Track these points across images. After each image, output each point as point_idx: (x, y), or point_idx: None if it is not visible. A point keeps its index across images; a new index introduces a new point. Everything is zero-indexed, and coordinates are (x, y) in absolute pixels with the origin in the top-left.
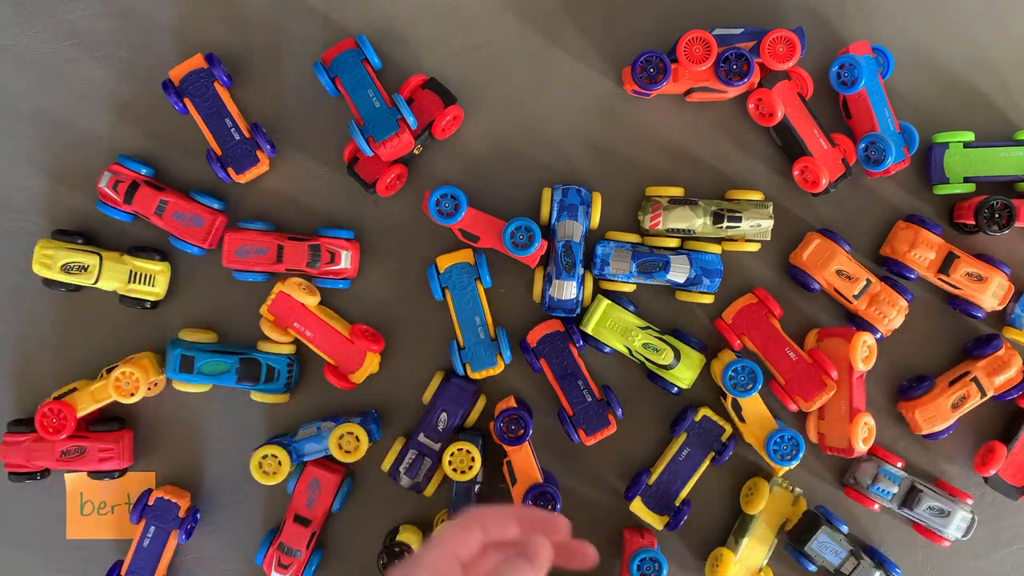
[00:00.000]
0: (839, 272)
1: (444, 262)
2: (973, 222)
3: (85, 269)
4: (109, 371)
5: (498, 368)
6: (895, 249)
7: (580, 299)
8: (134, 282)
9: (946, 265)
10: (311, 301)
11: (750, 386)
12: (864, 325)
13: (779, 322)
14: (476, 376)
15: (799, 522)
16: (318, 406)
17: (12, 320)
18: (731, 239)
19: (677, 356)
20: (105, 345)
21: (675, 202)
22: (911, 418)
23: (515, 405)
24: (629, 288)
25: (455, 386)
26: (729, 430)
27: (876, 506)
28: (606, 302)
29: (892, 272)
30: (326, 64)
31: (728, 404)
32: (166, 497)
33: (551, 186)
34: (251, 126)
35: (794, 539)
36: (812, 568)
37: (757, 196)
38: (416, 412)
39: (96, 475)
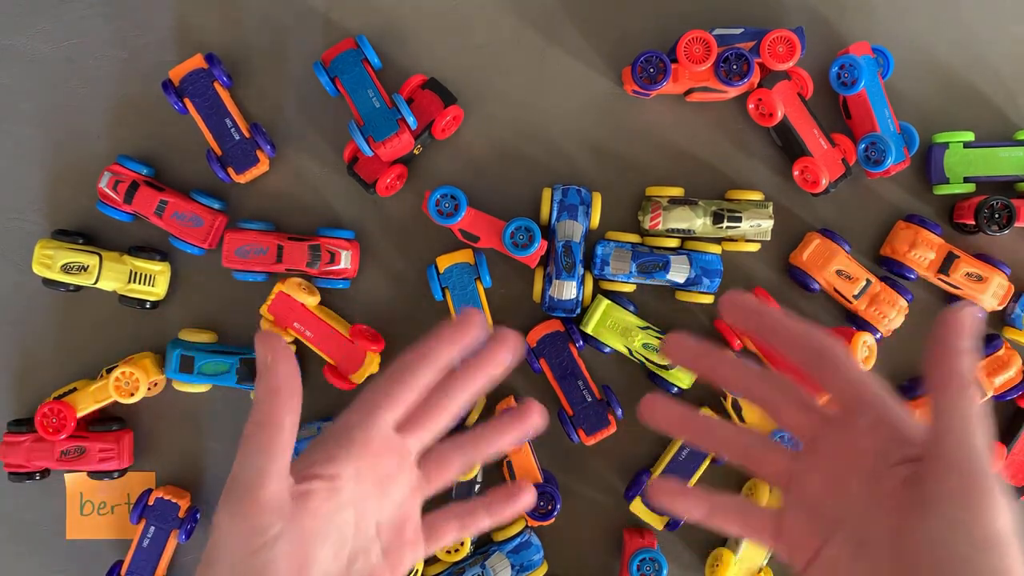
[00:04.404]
0: (839, 272)
1: (444, 262)
2: (973, 222)
3: (85, 269)
4: (109, 371)
5: None
6: (895, 249)
7: (580, 299)
8: (134, 282)
9: (946, 265)
10: (311, 301)
11: None
12: (864, 325)
13: None
14: None
15: None
16: (318, 406)
17: (12, 320)
18: (731, 239)
19: None
20: (105, 345)
21: (675, 202)
22: None
23: (515, 405)
24: (629, 288)
25: None
26: None
27: None
28: (606, 302)
29: (892, 272)
30: (326, 64)
31: (728, 404)
32: (166, 497)
33: (551, 186)
34: (251, 126)
35: None
36: None
37: (757, 196)
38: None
39: (96, 475)
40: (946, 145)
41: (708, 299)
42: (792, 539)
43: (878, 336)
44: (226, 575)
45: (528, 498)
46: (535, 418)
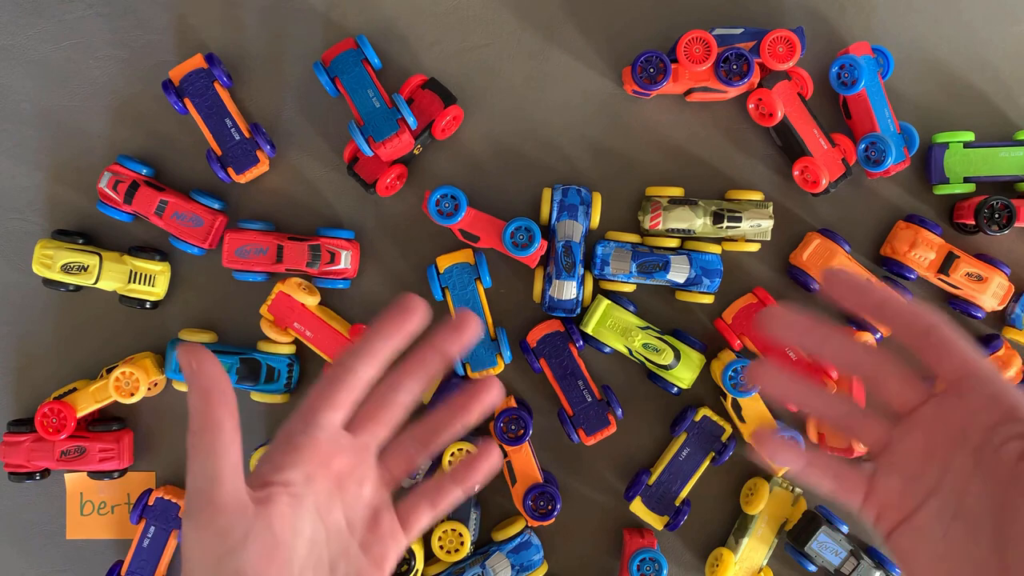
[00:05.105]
0: None
1: (444, 262)
2: (973, 222)
3: (85, 269)
4: (109, 371)
5: (498, 368)
6: (895, 249)
7: (580, 299)
8: (134, 282)
9: (946, 265)
10: (311, 301)
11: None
12: (864, 325)
13: None
14: (476, 376)
15: (799, 522)
16: None
17: (12, 320)
18: (731, 239)
19: (677, 356)
20: (105, 345)
21: (675, 202)
22: None
23: (515, 405)
24: (629, 288)
25: (455, 386)
26: (729, 430)
27: None
28: (606, 302)
29: (892, 272)
30: (326, 64)
31: (728, 404)
32: (166, 497)
33: (551, 186)
34: (251, 126)
35: (794, 539)
36: (812, 568)
37: (757, 196)
38: (416, 412)
39: (96, 475)
40: (946, 145)
41: (708, 299)
42: (883, 500)
43: (878, 336)
44: None
45: (494, 459)
46: (491, 393)
